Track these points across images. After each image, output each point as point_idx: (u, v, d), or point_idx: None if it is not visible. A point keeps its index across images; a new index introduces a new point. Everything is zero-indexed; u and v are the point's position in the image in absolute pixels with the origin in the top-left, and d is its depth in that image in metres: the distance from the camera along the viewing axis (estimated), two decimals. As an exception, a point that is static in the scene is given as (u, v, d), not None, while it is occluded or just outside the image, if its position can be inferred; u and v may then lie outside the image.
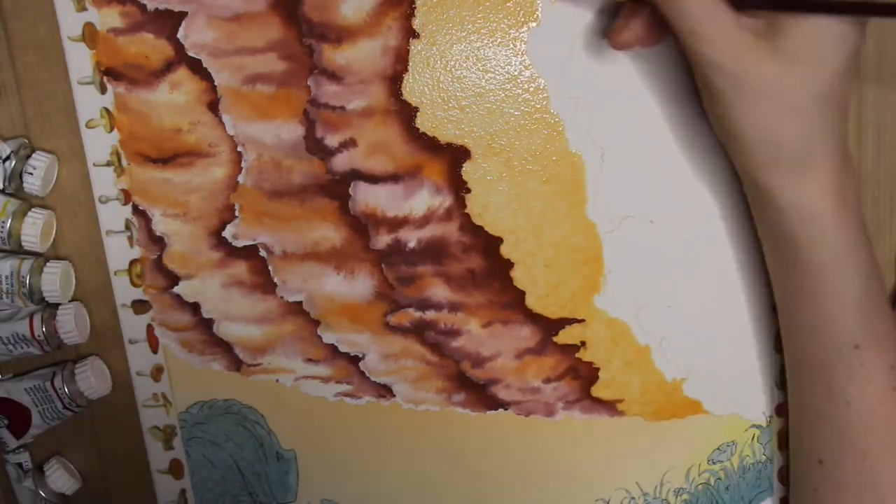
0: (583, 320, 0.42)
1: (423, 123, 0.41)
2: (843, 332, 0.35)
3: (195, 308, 0.44)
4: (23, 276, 0.41)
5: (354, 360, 0.44)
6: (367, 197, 0.42)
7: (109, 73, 0.41)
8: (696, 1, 0.31)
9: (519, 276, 0.42)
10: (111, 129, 0.42)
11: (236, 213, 0.42)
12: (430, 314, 0.43)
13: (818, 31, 0.31)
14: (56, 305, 0.43)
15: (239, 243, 0.43)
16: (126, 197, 0.43)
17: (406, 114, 0.41)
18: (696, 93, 0.36)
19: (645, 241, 0.41)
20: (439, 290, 0.43)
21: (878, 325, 0.35)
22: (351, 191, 0.42)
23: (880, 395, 0.35)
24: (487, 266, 0.42)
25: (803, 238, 0.34)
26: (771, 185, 0.34)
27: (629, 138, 0.40)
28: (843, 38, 0.31)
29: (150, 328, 0.44)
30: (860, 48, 0.32)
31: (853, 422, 0.36)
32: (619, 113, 0.40)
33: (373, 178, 0.42)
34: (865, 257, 0.34)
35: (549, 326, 0.43)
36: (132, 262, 0.43)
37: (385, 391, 0.44)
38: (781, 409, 0.43)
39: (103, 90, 0.41)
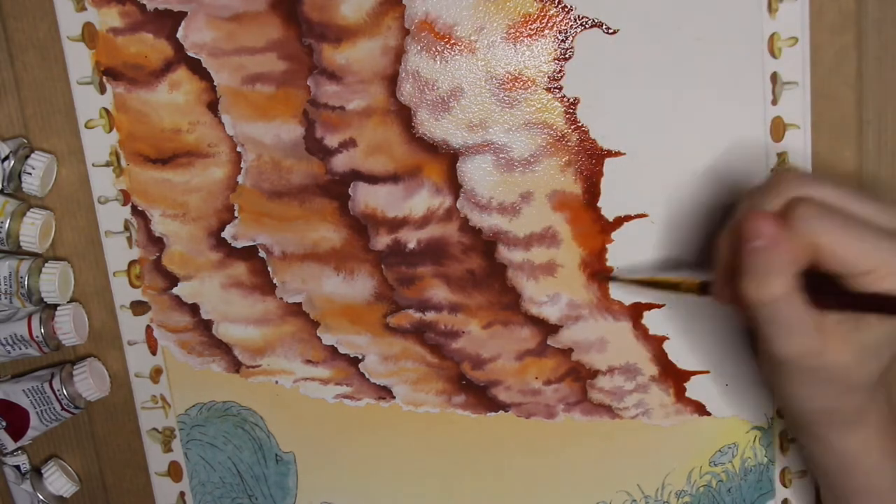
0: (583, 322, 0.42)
1: (423, 123, 0.41)
2: None
3: (194, 309, 0.44)
4: (21, 277, 0.41)
5: (354, 361, 0.44)
6: (367, 197, 0.42)
7: (109, 72, 0.41)
8: (788, 307, 0.32)
9: (518, 277, 0.42)
10: (110, 130, 0.42)
11: (236, 214, 0.42)
12: (430, 315, 0.43)
13: (892, 325, 0.33)
14: (54, 306, 0.43)
15: (238, 244, 0.43)
16: (125, 197, 0.43)
17: (406, 114, 0.40)
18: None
19: (646, 242, 0.41)
20: (439, 291, 0.42)
21: None
22: (350, 191, 0.42)
23: None
24: (487, 267, 0.42)
25: (852, 474, 0.37)
26: (823, 434, 0.36)
27: (630, 139, 0.40)
28: None
29: (149, 329, 0.44)
30: None
31: None
32: (620, 114, 0.40)
33: (372, 179, 0.41)
34: None
35: (549, 328, 0.42)
36: (131, 263, 0.43)
37: (385, 393, 0.44)
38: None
39: (102, 90, 0.41)
